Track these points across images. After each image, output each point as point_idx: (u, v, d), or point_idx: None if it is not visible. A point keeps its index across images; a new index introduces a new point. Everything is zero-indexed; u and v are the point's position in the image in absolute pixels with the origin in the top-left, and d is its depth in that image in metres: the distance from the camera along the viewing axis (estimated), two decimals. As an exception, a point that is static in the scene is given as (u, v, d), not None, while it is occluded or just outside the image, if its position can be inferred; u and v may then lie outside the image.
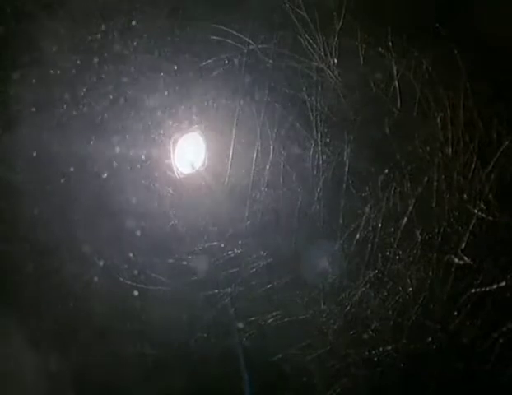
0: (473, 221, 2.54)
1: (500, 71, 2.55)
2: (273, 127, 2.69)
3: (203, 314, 2.77)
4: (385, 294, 2.63)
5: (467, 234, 2.54)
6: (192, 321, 2.78)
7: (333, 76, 2.65)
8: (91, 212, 2.85)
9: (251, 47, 2.71)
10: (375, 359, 2.64)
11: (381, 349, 2.63)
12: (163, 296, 2.78)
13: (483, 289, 2.54)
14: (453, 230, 2.56)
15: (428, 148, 2.60)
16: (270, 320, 2.71)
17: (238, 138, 2.73)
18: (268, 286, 2.72)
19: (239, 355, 2.75)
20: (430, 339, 2.59)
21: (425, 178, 2.59)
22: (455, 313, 2.57)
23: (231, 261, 2.74)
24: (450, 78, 2.57)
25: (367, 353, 2.64)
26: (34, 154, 2.84)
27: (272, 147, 2.69)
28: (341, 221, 2.64)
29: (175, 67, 2.76)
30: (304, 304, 2.70)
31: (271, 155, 2.69)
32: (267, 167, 2.70)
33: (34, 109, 2.85)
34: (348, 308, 2.66)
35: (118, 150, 2.81)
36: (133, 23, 2.78)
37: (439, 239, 2.57)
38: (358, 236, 2.63)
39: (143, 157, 2.80)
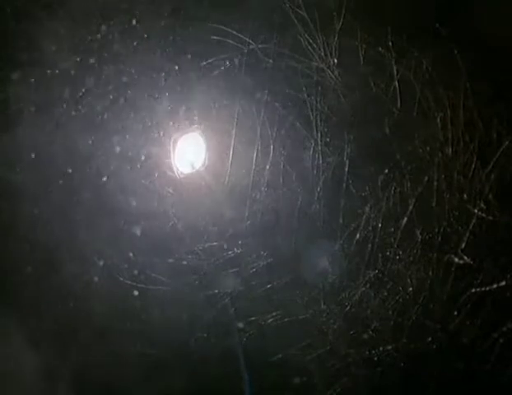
0: (473, 221, 2.54)
1: (500, 71, 2.56)
2: (273, 126, 2.69)
3: (203, 314, 2.77)
4: (385, 293, 2.63)
5: (467, 234, 2.54)
6: (192, 321, 2.78)
7: (333, 76, 2.65)
8: (91, 212, 2.85)
9: (251, 47, 2.71)
10: (375, 358, 2.64)
11: (381, 349, 2.63)
12: (163, 296, 2.78)
13: (483, 288, 2.54)
14: (454, 229, 2.56)
15: (428, 148, 2.60)
16: (270, 320, 2.71)
17: (238, 138, 2.73)
18: (268, 286, 2.72)
19: (239, 355, 2.75)
20: (430, 339, 2.59)
21: (425, 178, 2.59)
22: (455, 312, 2.57)
23: (231, 261, 2.74)
24: (450, 78, 2.57)
25: (367, 353, 2.64)
26: (35, 154, 2.84)
27: (272, 147, 2.69)
28: (341, 221, 2.64)
29: (175, 67, 2.76)
30: (304, 303, 2.70)
31: (271, 155, 2.69)
32: (267, 167, 2.70)
33: (34, 109, 2.86)
34: (348, 308, 2.66)
35: (118, 150, 2.81)
36: (133, 23, 2.78)
37: (440, 238, 2.58)
38: (358, 236, 2.63)
39: (143, 157, 2.80)
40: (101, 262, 2.83)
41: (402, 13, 2.64)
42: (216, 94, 2.76)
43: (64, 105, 2.83)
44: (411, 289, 2.61)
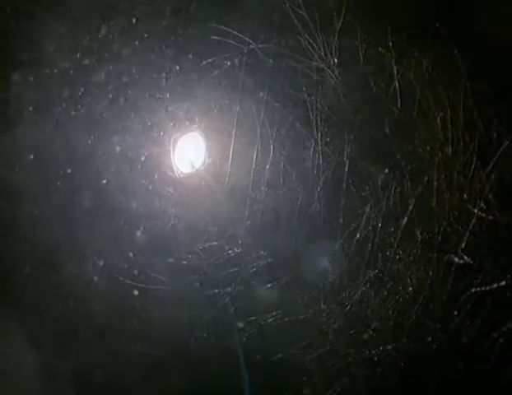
0: (473, 221, 2.54)
1: (500, 71, 2.56)
2: (273, 126, 2.69)
3: (203, 314, 2.77)
4: (385, 293, 2.63)
5: (468, 234, 2.55)
6: (192, 321, 2.78)
7: (333, 76, 2.65)
8: (91, 212, 2.85)
9: (251, 47, 2.71)
10: (375, 358, 2.64)
11: (381, 348, 2.63)
12: (163, 296, 2.77)
13: (483, 288, 2.54)
14: (454, 229, 2.56)
15: (428, 148, 2.60)
16: (270, 320, 2.71)
17: (238, 138, 2.73)
18: (268, 286, 2.72)
19: (239, 355, 2.75)
20: (430, 338, 2.59)
21: (426, 178, 2.59)
22: (455, 312, 2.56)
23: (231, 260, 2.74)
24: (450, 78, 2.57)
25: (367, 352, 2.64)
26: (35, 154, 2.84)
27: (272, 147, 2.69)
28: (341, 221, 2.64)
29: (176, 67, 2.76)
30: (304, 303, 2.70)
31: (271, 155, 2.69)
32: (268, 167, 2.70)
33: (34, 109, 2.86)
34: (348, 307, 2.66)
35: (118, 149, 2.81)
36: (134, 23, 2.78)
37: (440, 238, 2.58)
38: (358, 236, 2.63)
39: (143, 157, 2.80)
40: (101, 262, 2.83)
41: (402, 13, 2.64)
42: (216, 94, 2.76)
43: (64, 105, 2.83)
44: (411, 288, 2.61)
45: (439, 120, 2.59)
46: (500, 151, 2.52)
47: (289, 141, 2.71)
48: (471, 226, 2.54)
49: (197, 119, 2.79)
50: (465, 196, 2.56)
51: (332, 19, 2.64)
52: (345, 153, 2.64)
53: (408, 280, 2.61)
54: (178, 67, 2.76)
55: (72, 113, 2.84)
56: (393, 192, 2.61)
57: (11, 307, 2.86)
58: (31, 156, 2.85)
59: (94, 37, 2.82)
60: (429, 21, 2.58)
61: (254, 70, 2.73)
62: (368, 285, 2.64)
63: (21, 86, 2.85)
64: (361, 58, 2.63)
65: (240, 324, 2.75)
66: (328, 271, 2.69)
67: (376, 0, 2.69)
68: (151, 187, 2.80)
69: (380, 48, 2.62)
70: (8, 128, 2.86)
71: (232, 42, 2.71)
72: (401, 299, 2.62)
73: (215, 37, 2.72)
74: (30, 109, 2.86)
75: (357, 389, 2.70)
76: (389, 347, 2.62)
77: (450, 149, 2.58)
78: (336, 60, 2.65)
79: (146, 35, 2.78)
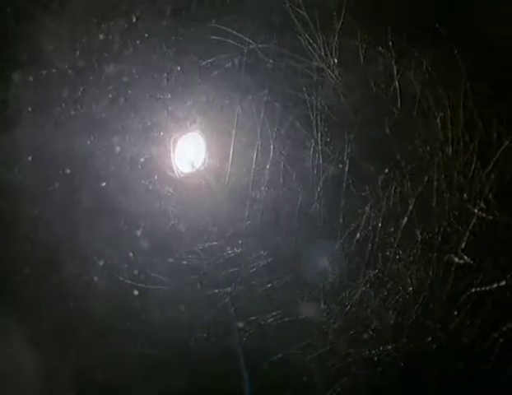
0: (473, 221, 2.54)
1: (500, 71, 2.56)
2: (273, 126, 2.69)
3: (203, 314, 2.77)
4: (385, 293, 2.63)
5: (468, 234, 2.55)
6: (192, 321, 2.78)
7: (333, 76, 2.65)
8: (91, 212, 2.85)
9: (251, 47, 2.71)
10: (375, 358, 2.64)
11: (381, 348, 2.63)
12: (163, 296, 2.77)
13: (483, 288, 2.54)
14: (454, 229, 2.57)
15: (428, 148, 2.60)
16: (270, 319, 2.71)
17: (238, 138, 2.73)
18: (268, 286, 2.72)
19: (239, 355, 2.75)
20: (430, 338, 2.59)
21: (426, 178, 2.59)
22: (455, 312, 2.57)
23: (231, 260, 2.74)
24: (450, 78, 2.57)
25: (367, 352, 2.64)
26: (34, 154, 2.84)
27: (272, 147, 2.69)
28: (341, 221, 2.64)
29: (177, 68, 2.76)
30: (304, 303, 2.70)
31: (271, 155, 2.69)
32: (268, 167, 2.70)
33: (33, 109, 2.86)
34: (348, 307, 2.66)
35: (118, 150, 2.81)
36: (134, 22, 2.78)
37: (440, 238, 2.58)
38: (358, 236, 2.63)
39: (143, 157, 2.80)
40: (101, 262, 2.83)
41: (402, 13, 2.64)
42: (217, 94, 2.76)
43: (64, 105, 2.83)
44: (411, 288, 2.61)
45: (439, 120, 2.59)
46: (500, 151, 2.52)
47: (289, 140, 2.71)
48: (471, 226, 2.54)
49: (197, 119, 2.79)
50: (465, 196, 2.56)
51: (332, 19, 2.64)
52: (345, 153, 2.64)
53: (408, 280, 2.61)
54: (178, 68, 2.76)
55: (72, 113, 2.83)
56: (393, 192, 2.62)
57: (12, 307, 2.86)
58: (31, 156, 2.85)
59: (94, 37, 2.82)
60: (429, 21, 2.58)
61: (254, 70, 2.73)
62: (368, 285, 2.64)
63: (21, 86, 2.85)
64: (361, 58, 2.63)
65: (240, 324, 2.75)
66: (328, 271, 2.69)
67: (376, 0, 2.69)
68: (151, 187, 2.80)
69: (380, 48, 2.62)
70: (8, 128, 2.86)
71: (232, 42, 2.71)
72: (401, 299, 2.62)
73: (215, 37, 2.72)
74: (30, 109, 2.85)
75: (357, 389, 2.70)
76: (389, 347, 2.62)
77: (450, 149, 2.58)
78: (336, 60, 2.65)
79: (146, 35, 2.78)
